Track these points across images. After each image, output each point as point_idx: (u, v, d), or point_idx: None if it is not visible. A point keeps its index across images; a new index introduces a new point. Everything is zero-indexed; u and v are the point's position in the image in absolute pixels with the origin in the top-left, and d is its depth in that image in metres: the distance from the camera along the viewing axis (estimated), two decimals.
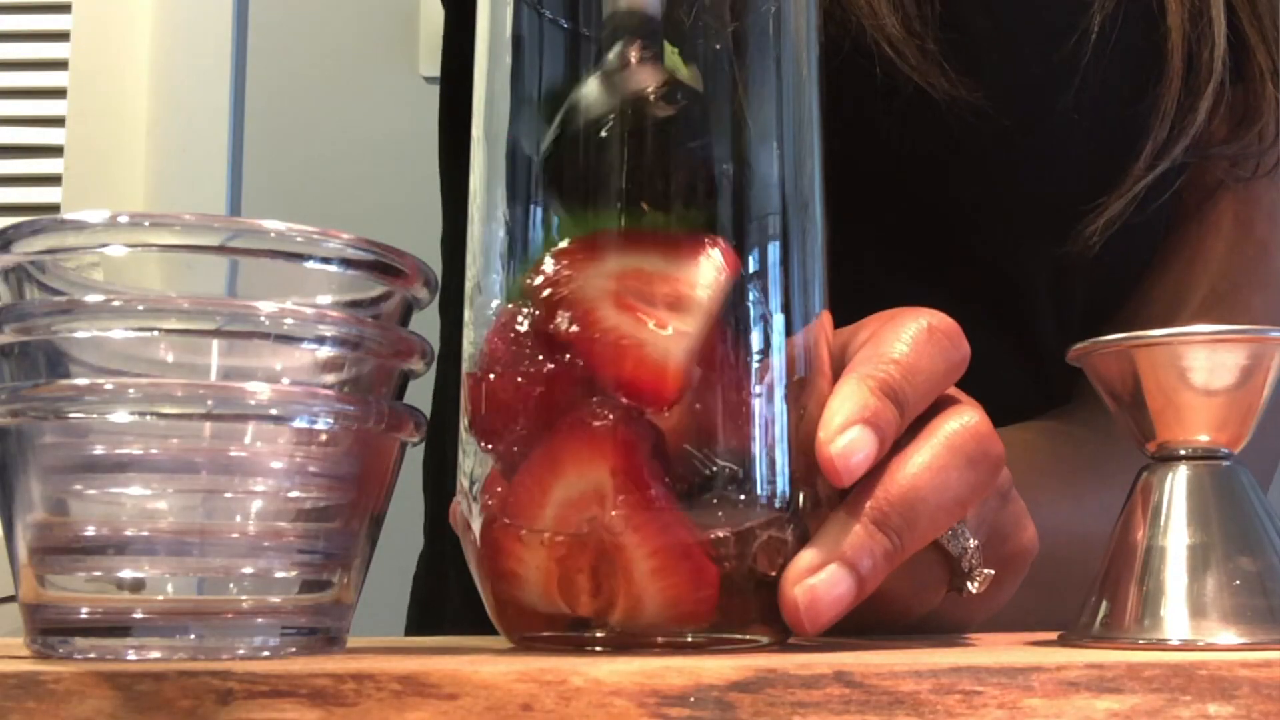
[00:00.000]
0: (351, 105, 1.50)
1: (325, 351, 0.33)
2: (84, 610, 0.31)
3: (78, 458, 0.32)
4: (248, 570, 0.32)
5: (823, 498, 0.35)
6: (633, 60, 0.33)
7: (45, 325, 0.31)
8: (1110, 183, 0.58)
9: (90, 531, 0.31)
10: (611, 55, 0.33)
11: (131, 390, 0.31)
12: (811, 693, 0.27)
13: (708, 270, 0.33)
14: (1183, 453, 0.37)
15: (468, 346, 0.36)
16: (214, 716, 0.26)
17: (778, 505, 0.34)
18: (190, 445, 0.32)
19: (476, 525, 0.34)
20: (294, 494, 0.33)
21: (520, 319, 0.34)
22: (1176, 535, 0.36)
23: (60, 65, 1.53)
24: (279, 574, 0.32)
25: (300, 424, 0.32)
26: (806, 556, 0.34)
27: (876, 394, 0.35)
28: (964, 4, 0.57)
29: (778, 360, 0.34)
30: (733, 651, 0.33)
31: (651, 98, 0.33)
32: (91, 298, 0.31)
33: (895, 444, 0.36)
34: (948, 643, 0.38)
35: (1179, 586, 0.35)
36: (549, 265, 0.33)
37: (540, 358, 0.33)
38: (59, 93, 1.53)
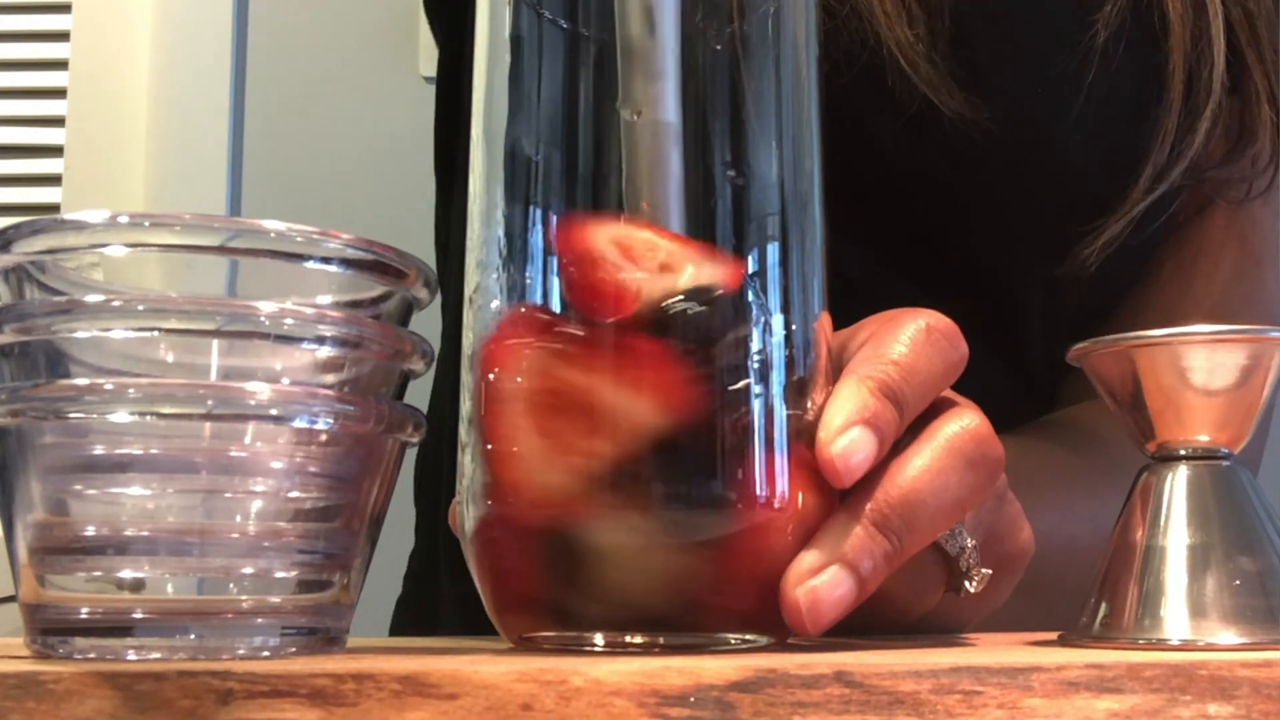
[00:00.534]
0: (351, 105, 1.50)
1: (325, 351, 0.33)
2: (84, 610, 0.31)
3: (78, 458, 0.32)
4: (248, 570, 0.32)
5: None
6: None
7: (45, 325, 0.31)
8: (1109, 203, 0.59)
9: (90, 531, 0.31)
10: None
11: (131, 390, 0.31)
12: (811, 693, 0.27)
13: (710, 265, 0.33)
14: (1183, 453, 0.37)
15: (467, 347, 0.36)
16: (214, 716, 0.26)
17: (777, 505, 0.34)
18: (190, 445, 0.32)
19: (477, 525, 0.34)
20: (294, 494, 0.33)
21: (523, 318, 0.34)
22: (1176, 535, 0.36)
23: (60, 65, 1.53)
24: (279, 574, 0.32)
25: (300, 424, 0.32)
26: (807, 558, 0.34)
27: (876, 395, 0.35)
28: (973, 21, 0.58)
29: (777, 360, 0.34)
30: (733, 651, 0.33)
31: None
32: (91, 298, 0.31)
33: (895, 445, 0.36)
34: (948, 643, 0.38)
35: (1179, 586, 0.35)
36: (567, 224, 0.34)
37: (543, 357, 0.33)
38: (59, 93, 1.53)
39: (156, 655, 0.30)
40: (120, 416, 0.31)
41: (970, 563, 0.41)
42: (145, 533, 0.31)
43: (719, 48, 0.35)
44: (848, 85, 0.54)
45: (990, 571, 0.41)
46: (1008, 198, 0.60)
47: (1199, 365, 0.36)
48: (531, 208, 0.35)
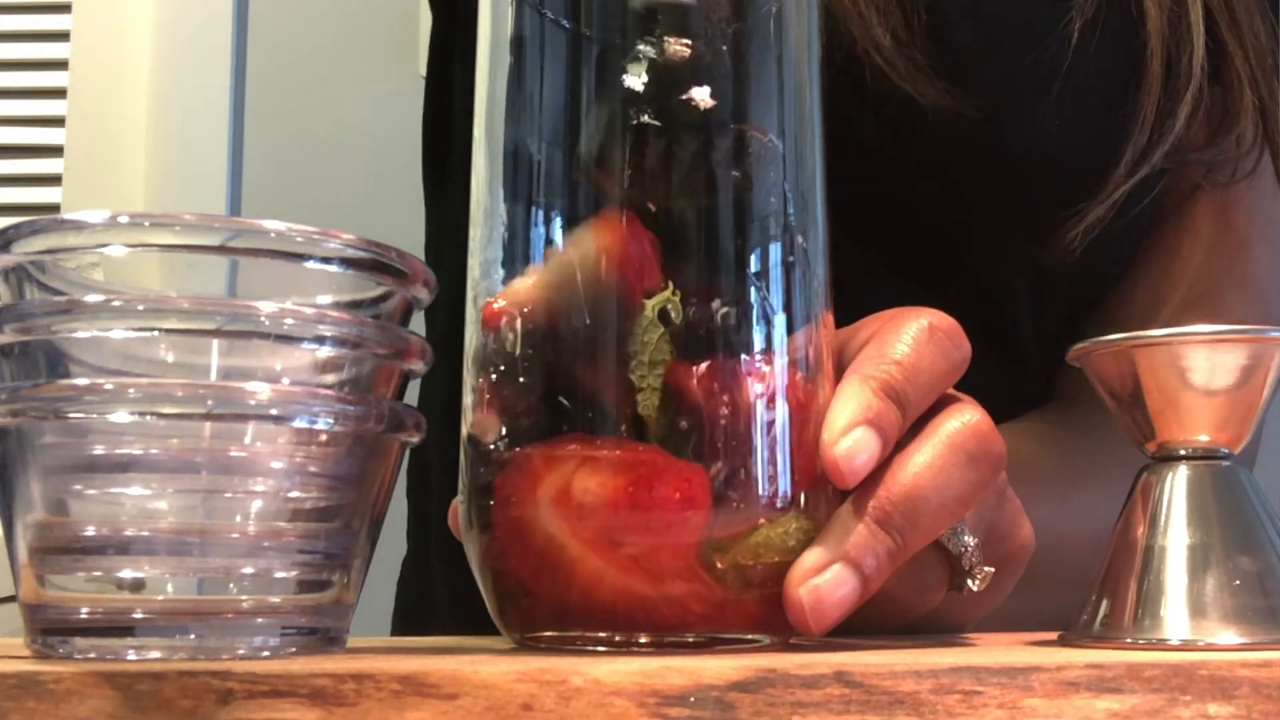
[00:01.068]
0: (351, 105, 1.50)
1: (325, 351, 0.33)
2: (84, 610, 0.31)
3: (78, 458, 0.32)
4: (248, 570, 0.32)
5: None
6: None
7: (45, 325, 0.31)
8: (1091, 189, 0.59)
9: (90, 531, 0.31)
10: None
11: (131, 390, 0.31)
12: (811, 693, 0.27)
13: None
14: (1183, 453, 0.37)
15: (468, 347, 0.36)
16: (214, 716, 0.26)
17: (779, 505, 0.34)
18: (190, 445, 0.32)
19: (479, 524, 0.34)
20: (294, 494, 0.33)
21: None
22: (1176, 535, 0.36)
23: (60, 65, 1.53)
24: (279, 574, 0.32)
25: (300, 424, 0.32)
26: (811, 557, 0.34)
27: (879, 395, 0.35)
28: (948, 14, 0.58)
29: (779, 360, 0.34)
30: (733, 651, 0.33)
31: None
32: (91, 298, 0.31)
33: (897, 443, 0.36)
34: (948, 643, 0.38)
35: (1179, 586, 0.35)
36: None
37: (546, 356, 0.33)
38: (59, 93, 1.53)
39: (156, 655, 0.30)
40: (120, 416, 0.31)
41: (972, 561, 0.41)
42: (145, 533, 0.31)
43: (724, 47, 0.35)
44: (830, 81, 0.54)
45: (993, 570, 0.41)
46: (991, 186, 0.60)
47: (1199, 365, 0.36)
48: (533, 208, 0.35)
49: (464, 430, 0.35)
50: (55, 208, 1.50)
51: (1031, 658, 0.29)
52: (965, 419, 0.37)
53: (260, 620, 0.32)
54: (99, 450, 0.31)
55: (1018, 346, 0.63)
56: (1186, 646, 0.34)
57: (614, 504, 0.32)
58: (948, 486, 0.36)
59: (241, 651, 0.31)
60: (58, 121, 1.52)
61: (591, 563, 0.32)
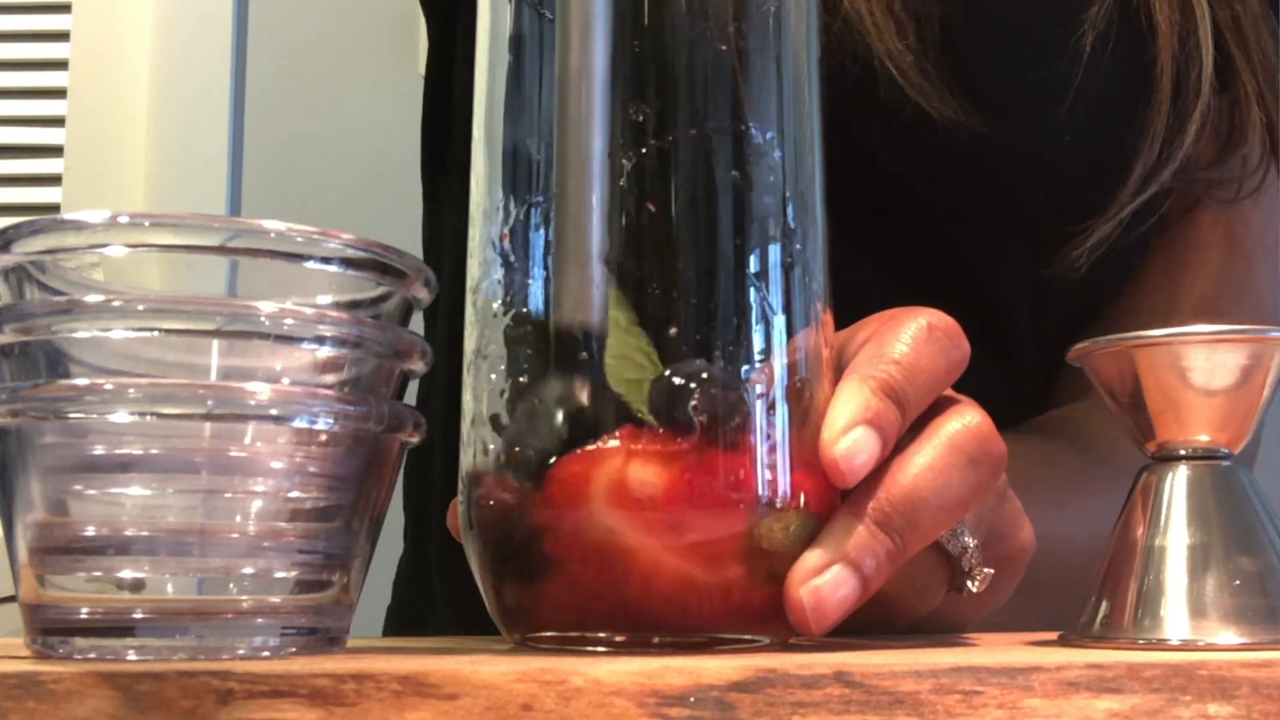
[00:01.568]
0: (351, 105, 1.50)
1: (325, 351, 0.33)
2: (84, 610, 0.31)
3: (78, 458, 0.32)
4: (247, 570, 0.32)
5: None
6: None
7: (45, 325, 0.31)
8: (1098, 205, 0.59)
9: (90, 531, 0.31)
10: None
11: (131, 390, 0.31)
12: (811, 693, 0.27)
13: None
14: (1183, 453, 0.37)
15: (469, 345, 0.36)
16: (214, 716, 0.26)
17: (779, 505, 0.34)
18: (190, 445, 0.32)
19: (479, 524, 0.34)
20: (294, 494, 0.33)
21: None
22: (1176, 535, 0.36)
23: (60, 65, 1.53)
24: (279, 574, 0.32)
25: (300, 424, 0.32)
26: (811, 558, 0.34)
27: (878, 394, 0.35)
28: (962, 27, 0.58)
29: (779, 361, 0.34)
30: (733, 651, 0.33)
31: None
32: (91, 298, 0.31)
33: (897, 443, 0.36)
34: (948, 643, 0.38)
35: (1179, 586, 0.35)
36: None
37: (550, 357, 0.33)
38: (59, 93, 1.53)
39: (156, 655, 0.30)
40: (120, 416, 0.31)
41: (972, 562, 0.41)
42: (145, 533, 0.31)
43: (723, 47, 0.35)
44: (844, 92, 0.54)
45: (992, 571, 0.41)
46: (999, 200, 0.60)
47: (1199, 365, 0.36)
48: (532, 208, 0.35)
49: (464, 429, 0.35)
50: (55, 208, 1.50)
51: (1031, 658, 0.29)
52: (966, 421, 0.37)
53: (260, 620, 0.32)
54: (99, 450, 0.31)
55: (1017, 354, 0.64)
56: (1186, 646, 0.34)
57: (670, 494, 0.32)
58: (948, 488, 0.36)
59: (241, 651, 0.31)
60: (58, 121, 1.52)
61: (651, 552, 0.32)
